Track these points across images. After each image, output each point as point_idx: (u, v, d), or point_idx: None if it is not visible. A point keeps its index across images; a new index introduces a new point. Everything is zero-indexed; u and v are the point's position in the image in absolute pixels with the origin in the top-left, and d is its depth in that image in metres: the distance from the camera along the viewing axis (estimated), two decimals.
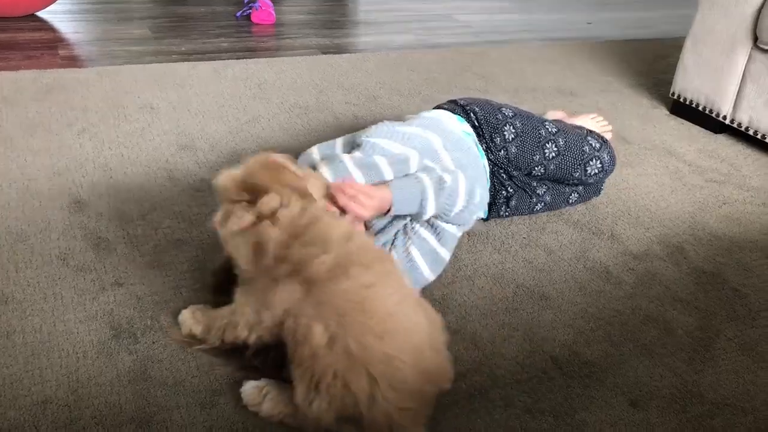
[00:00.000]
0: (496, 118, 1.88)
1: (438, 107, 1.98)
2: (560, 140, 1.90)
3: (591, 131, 1.99)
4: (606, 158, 1.95)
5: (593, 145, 1.94)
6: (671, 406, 1.43)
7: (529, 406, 1.39)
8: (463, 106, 1.92)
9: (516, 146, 1.87)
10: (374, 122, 2.51)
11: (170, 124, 2.39)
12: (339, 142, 1.80)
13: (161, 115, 2.44)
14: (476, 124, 1.88)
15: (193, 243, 1.78)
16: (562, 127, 1.95)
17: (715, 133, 2.70)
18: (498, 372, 1.47)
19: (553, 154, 1.89)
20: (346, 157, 1.63)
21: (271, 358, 1.36)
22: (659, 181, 2.31)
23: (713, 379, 1.51)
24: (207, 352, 1.42)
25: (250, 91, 2.71)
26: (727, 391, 1.48)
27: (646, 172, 2.36)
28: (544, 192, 1.96)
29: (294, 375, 1.23)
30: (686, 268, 1.87)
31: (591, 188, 2.05)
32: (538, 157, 1.88)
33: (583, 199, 2.06)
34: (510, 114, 1.90)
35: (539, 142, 1.88)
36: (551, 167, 1.91)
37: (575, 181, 1.96)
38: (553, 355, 1.53)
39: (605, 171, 1.97)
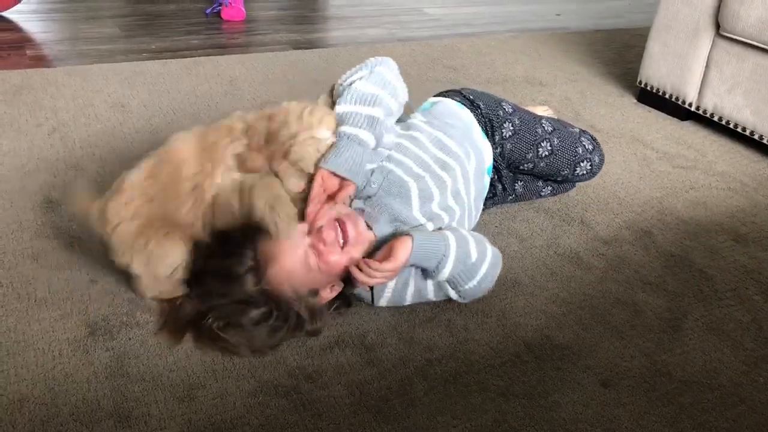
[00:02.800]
0: (497, 115, 1.86)
1: (442, 94, 1.94)
2: (555, 140, 1.89)
3: (584, 131, 2.00)
4: (596, 161, 1.96)
5: (586, 146, 1.94)
6: (641, 386, 1.46)
7: (503, 390, 1.42)
8: (471, 101, 1.88)
9: (512, 143, 1.85)
10: None
11: (142, 122, 2.38)
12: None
13: (133, 114, 2.44)
14: (480, 119, 1.85)
15: None
16: (557, 126, 1.94)
17: (682, 120, 2.75)
18: (472, 357, 1.50)
19: (546, 152, 1.89)
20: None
21: None
22: (627, 168, 2.35)
23: (681, 358, 1.55)
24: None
25: (221, 88, 2.71)
26: (694, 369, 1.52)
27: (615, 159, 2.40)
28: (520, 186, 1.99)
29: None
30: (654, 252, 1.92)
31: (565, 185, 2.07)
32: (531, 155, 1.88)
33: (555, 192, 2.09)
34: (510, 110, 1.88)
35: (535, 140, 1.87)
36: (541, 165, 1.90)
37: (560, 178, 1.98)
38: (526, 340, 1.56)
39: (592, 173, 1.98)
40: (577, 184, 2.13)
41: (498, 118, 1.85)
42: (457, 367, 1.47)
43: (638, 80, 2.86)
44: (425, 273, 1.56)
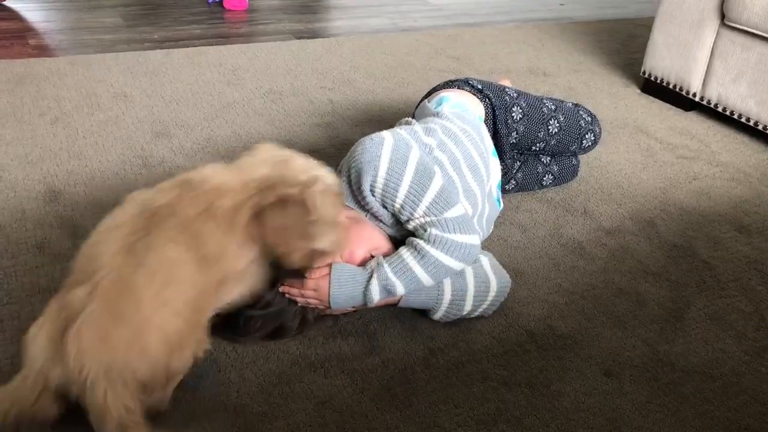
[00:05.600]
0: (504, 101, 1.88)
1: (454, 86, 1.92)
2: (560, 116, 1.96)
3: (576, 104, 2.06)
4: (597, 131, 2.05)
5: (586, 119, 2.03)
6: (643, 375, 1.47)
7: (505, 379, 1.43)
8: (480, 90, 1.88)
9: (524, 125, 1.91)
10: (349, 107, 2.53)
11: (144, 112, 2.38)
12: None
13: (135, 103, 2.43)
14: (491, 108, 1.87)
15: None
16: (557, 104, 2.00)
17: (686, 110, 2.75)
18: (474, 347, 1.50)
19: (556, 129, 1.95)
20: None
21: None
22: (631, 159, 2.35)
23: (684, 348, 1.55)
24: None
25: (224, 78, 2.70)
26: (696, 359, 1.52)
27: (618, 149, 2.40)
28: (517, 170, 1.99)
29: None
30: (657, 242, 1.91)
31: (567, 171, 2.08)
32: (542, 133, 1.94)
33: (558, 181, 2.09)
34: (514, 95, 1.93)
35: (543, 119, 1.93)
36: (552, 142, 1.97)
37: (569, 153, 2.05)
38: (529, 329, 1.57)
39: (595, 142, 2.07)
40: (579, 173, 2.14)
41: (506, 104, 1.88)
42: (459, 356, 1.47)
43: (642, 70, 2.85)
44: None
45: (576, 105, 2.05)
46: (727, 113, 2.59)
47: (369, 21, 3.58)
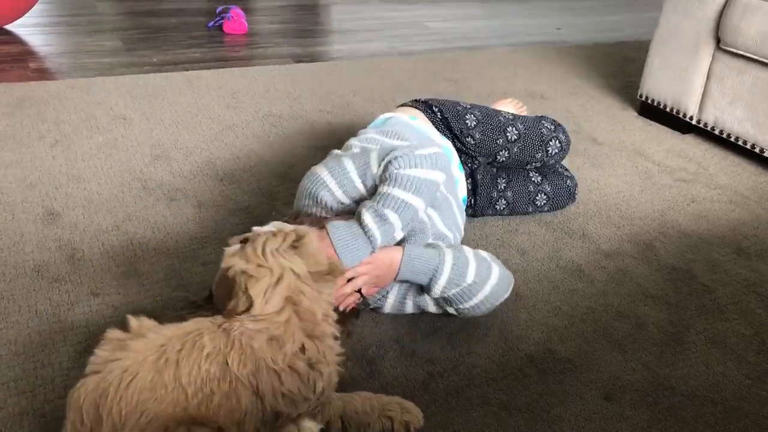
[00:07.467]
0: (456, 110, 1.98)
1: (402, 105, 2.06)
2: (519, 124, 2.01)
3: (543, 116, 2.10)
4: (563, 138, 2.07)
5: (549, 127, 2.06)
6: (644, 399, 1.46)
7: (505, 403, 1.42)
8: (425, 102, 2.00)
9: (479, 132, 1.96)
10: (348, 130, 2.54)
11: (144, 135, 2.39)
12: (349, 163, 1.56)
13: (134, 126, 2.44)
14: (441, 117, 1.96)
15: (168, 252, 1.78)
16: (515, 115, 2.07)
17: (683, 133, 2.76)
18: (474, 371, 1.49)
19: (515, 136, 1.99)
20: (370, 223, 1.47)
21: None
22: (629, 181, 2.35)
23: (684, 371, 1.54)
24: None
25: (223, 101, 2.71)
26: (697, 383, 1.52)
27: (616, 172, 2.40)
28: (504, 187, 2.00)
29: None
30: (656, 265, 1.91)
31: (562, 192, 2.08)
32: (501, 141, 1.98)
33: (554, 204, 2.09)
34: (467, 106, 2.01)
35: (500, 126, 1.99)
36: (515, 150, 2.01)
37: (538, 162, 2.06)
38: (528, 353, 1.56)
39: (564, 150, 2.08)
40: (576, 197, 2.14)
41: (457, 113, 1.96)
42: (459, 381, 1.46)
43: (639, 93, 2.87)
44: (422, 289, 1.56)
45: (540, 117, 2.10)
46: (724, 136, 2.60)
47: (368, 45, 3.61)
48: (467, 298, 1.52)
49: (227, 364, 1.14)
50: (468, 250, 1.56)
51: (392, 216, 1.46)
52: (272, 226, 1.34)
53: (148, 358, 1.12)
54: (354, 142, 1.74)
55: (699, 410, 1.44)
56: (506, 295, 1.59)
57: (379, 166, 1.53)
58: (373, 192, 1.54)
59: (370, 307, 1.61)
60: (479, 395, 1.43)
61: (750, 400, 1.48)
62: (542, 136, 2.03)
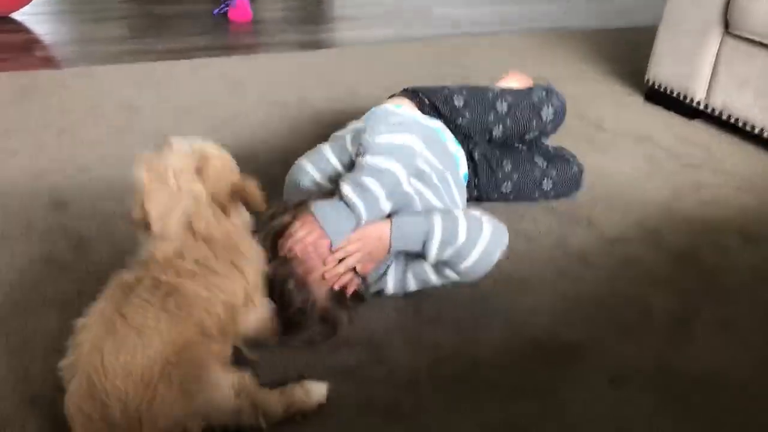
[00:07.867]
0: (442, 94, 1.98)
1: (391, 96, 2.06)
2: (508, 96, 2.02)
3: (536, 85, 2.11)
4: (557, 103, 2.06)
5: (540, 94, 2.05)
6: (651, 384, 1.46)
7: (511, 389, 1.42)
8: (412, 90, 2.00)
9: (469, 111, 1.97)
10: (354, 117, 2.53)
11: (149, 123, 2.39)
12: (328, 150, 1.65)
13: (140, 115, 2.45)
14: (428, 102, 1.97)
15: None
16: (503, 88, 2.08)
17: (690, 118, 2.74)
18: (481, 356, 1.50)
19: (505, 109, 2.00)
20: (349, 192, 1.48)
21: None
22: (635, 167, 2.34)
23: (691, 356, 1.54)
24: None
25: (228, 89, 2.71)
26: (704, 367, 1.51)
27: (623, 158, 2.39)
28: (510, 169, 2.00)
29: None
30: (664, 251, 1.91)
31: (568, 178, 2.07)
32: (492, 116, 1.99)
33: (560, 190, 2.08)
34: (454, 88, 2.02)
35: (488, 101, 1.99)
36: (508, 122, 2.01)
37: (536, 131, 2.05)
38: (535, 338, 1.56)
39: (559, 114, 2.06)
40: (582, 184, 2.12)
41: (444, 97, 1.97)
42: (465, 366, 1.47)
43: (646, 79, 2.85)
44: (419, 257, 1.57)
45: (531, 87, 2.09)
46: (732, 121, 2.58)
47: (374, 31, 3.60)
48: (464, 256, 1.51)
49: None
50: (457, 211, 1.56)
51: (371, 183, 1.46)
52: (187, 144, 1.38)
53: (98, 331, 1.17)
54: (336, 134, 1.77)
55: (706, 395, 1.44)
56: (503, 248, 1.55)
57: (353, 144, 1.59)
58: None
59: (373, 291, 1.61)
60: (485, 380, 1.43)
61: (757, 385, 1.48)
62: (533, 104, 2.02)
